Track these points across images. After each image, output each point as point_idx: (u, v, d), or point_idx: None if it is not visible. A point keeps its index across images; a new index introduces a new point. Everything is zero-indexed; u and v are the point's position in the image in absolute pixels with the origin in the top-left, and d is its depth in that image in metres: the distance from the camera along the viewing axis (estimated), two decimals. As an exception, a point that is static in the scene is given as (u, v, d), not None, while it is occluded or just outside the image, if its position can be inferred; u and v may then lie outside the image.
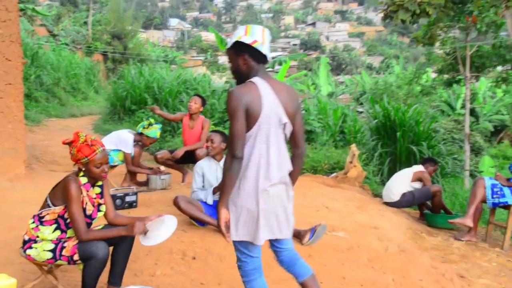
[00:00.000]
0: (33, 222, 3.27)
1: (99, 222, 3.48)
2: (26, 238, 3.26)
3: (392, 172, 10.00)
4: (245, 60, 2.77)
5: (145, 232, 3.23)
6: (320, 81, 28.13)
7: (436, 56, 17.48)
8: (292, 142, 2.93)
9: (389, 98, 22.23)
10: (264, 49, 2.77)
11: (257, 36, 2.75)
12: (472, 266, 4.97)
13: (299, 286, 3.09)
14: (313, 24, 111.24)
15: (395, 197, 6.79)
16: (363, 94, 30.85)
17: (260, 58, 2.78)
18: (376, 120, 10.40)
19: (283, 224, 2.83)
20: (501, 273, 4.92)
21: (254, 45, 2.73)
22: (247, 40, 2.73)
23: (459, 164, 11.49)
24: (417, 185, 6.86)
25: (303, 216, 5.40)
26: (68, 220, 3.22)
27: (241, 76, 2.83)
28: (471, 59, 17.80)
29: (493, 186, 5.87)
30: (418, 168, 7.06)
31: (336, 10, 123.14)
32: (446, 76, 19.40)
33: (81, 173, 3.28)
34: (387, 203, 6.84)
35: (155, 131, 6.38)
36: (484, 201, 5.92)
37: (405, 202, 6.81)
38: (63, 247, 3.17)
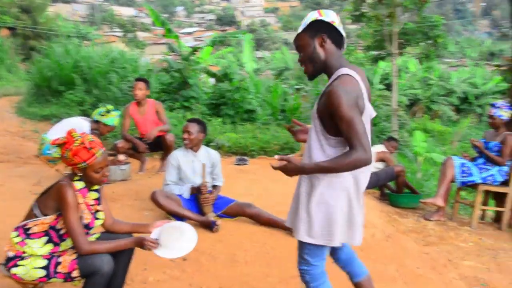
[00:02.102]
0: (18, 236, 2.77)
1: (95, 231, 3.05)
2: (11, 254, 2.77)
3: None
4: (323, 42, 2.45)
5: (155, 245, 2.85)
6: (244, 58, 27.79)
7: (365, 33, 17.80)
8: None
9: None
10: (342, 31, 2.49)
11: (333, 17, 2.47)
12: (452, 248, 4.98)
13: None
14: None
15: (360, 179, 6.71)
16: (285, 70, 31.00)
17: (339, 40, 2.48)
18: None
19: (360, 229, 2.60)
20: (480, 253, 4.96)
21: (334, 24, 2.45)
22: (325, 19, 2.44)
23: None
24: (380, 165, 6.84)
25: (285, 205, 5.12)
26: (62, 232, 2.77)
27: (316, 64, 2.48)
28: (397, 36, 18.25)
29: (462, 165, 5.93)
30: (380, 148, 7.03)
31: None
32: (373, 52, 19.88)
33: (76, 177, 2.82)
34: (351, 185, 6.75)
35: (113, 118, 5.84)
36: (453, 180, 5.97)
37: (370, 184, 6.74)
38: (58, 263, 2.72)
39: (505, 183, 5.91)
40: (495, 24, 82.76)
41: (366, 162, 2.29)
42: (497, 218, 6.21)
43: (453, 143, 21.34)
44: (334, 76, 2.40)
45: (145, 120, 6.47)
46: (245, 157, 7.64)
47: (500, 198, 6.12)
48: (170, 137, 6.33)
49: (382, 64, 26.00)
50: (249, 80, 13.75)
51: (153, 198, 4.42)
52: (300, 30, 2.50)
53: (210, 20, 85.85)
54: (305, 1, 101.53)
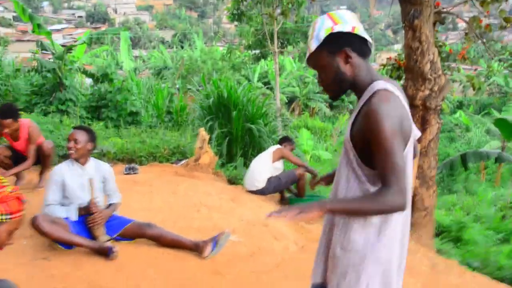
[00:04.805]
0: None
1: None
2: None
3: (230, 152, 9.68)
4: (347, 57, 1.92)
5: None
6: (121, 56, 26.59)
7: (247, 32, 17.72)
8: None
9: (195, 73, 22.05)
10: (366, 35, 1.93)
11: (351, 21, 1.92)
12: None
13: None
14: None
15: (261, 184, 6.37)
16: (165, 69, 30.23)
17: (364, 48, 1.95)
18: (212, 99, 9.87)
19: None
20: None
21: (356, 32, 1.91)
22: (344, 28, 1.90)
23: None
24: (279, 164, 6.54)
25: (188, 219, 4.69)
26: None
27: (343, 84, 1.97)
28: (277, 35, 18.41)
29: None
30: (276, 147, 6.77)
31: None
32: (255, 51, 19.92)
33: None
34: (252, 191, 6.40)
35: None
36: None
37: (272, 189, 6.44)
38: None
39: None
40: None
41: (401, 207, 1.80)
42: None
43: (333, 138, 22.11)
44: (368, 93, 1.89)
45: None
46: (135, 165, 6.98)
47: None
48: (48, 144, 5.44)
49: (262, 62, 26.32)
50: (130, 80, 12.97)
51: (35, 225, 3.67)
52: (313, 48, 1.94)
53: (80, 17, 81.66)
54: (179, 0, 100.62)
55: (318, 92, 34.58)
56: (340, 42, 1.90)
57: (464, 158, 9.01)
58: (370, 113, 1.80)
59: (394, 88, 1.89)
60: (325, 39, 1.90)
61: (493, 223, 13.93)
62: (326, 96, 35.65)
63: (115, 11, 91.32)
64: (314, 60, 1.97)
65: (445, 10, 6.67)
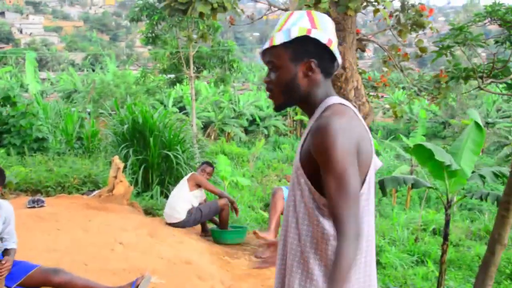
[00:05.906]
0: None
1: None
2: None
3: (146, 181, 9.19)
4: (310, 70, 1.63)
5: None
6: (26, 78, 25.11)
7: (162, 56, 17.33)
8: None
9: (107, 97, 21.28)
10: (338, 54, 1.67)
11: (330, 32, 1.63)
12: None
13: None
14: (2, 14, 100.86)
15: (180, 215, 5.96)
16: (74, 92, 28.98)
17: (330, 69, 1.67)
18: (126, 125, 9.34)
19: None
20: None
21: (330, 48, 1.63)
22: (321, 37, 1.60)
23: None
24: (199, 193, 6.17)
25: (102, 260, 4.18)
26: None
27: (292, 96, 1.67)
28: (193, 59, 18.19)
29: (291, 196, 5.60)
30: (190, 174, 6.44)
31: (27, 1, 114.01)
32: (170, 75, 19.55)
33: None
34: (172, 224, 5.97)
35: None
36: (282, 212, 5.60)
37: (192, 221, 6.03)
38: None
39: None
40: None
41: (360, 244, 1.48)
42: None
43: (250, 164, 22.03)
44: (320, 109, 1.62)
45: None
46: (41, 197, 6.32)
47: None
48: None
49: (177, 87, 25.92)
50: (36, 104, 12.11)
51: None
52: (277, 41, 1.63)
53: (-19, 36, 77.19)
54: (90, 22, 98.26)
55: (233, 117, 34.66)
56: (310, 51, 1.63)
57: (382, 184, 9.08)
58: (320, 128, 1.51)
59: (350, 105, 1.64)
60: (295, 38, 1.61)
61: (407, 246, 14.36)
62: (241, 121, 35.80)
63: (20, 31, 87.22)
64: (271, 55, 1.66)
65: (365, 37, 6.70)
